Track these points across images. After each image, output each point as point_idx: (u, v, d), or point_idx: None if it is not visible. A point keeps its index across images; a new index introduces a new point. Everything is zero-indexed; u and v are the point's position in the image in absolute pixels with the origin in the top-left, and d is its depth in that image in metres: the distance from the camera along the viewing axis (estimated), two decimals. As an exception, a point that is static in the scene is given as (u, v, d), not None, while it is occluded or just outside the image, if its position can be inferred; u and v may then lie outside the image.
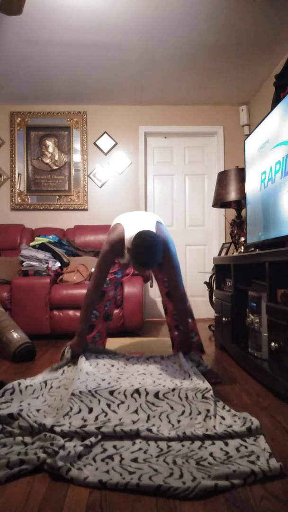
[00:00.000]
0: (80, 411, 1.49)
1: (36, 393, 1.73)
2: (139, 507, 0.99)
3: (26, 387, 1.73)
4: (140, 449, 1.26)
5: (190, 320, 2.16)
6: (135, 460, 1.19)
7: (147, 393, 1.59)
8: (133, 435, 1.34)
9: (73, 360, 2.10)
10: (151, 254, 1.74)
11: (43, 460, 1.16)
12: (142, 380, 1.80)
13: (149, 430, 1.35)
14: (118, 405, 1.54)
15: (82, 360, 2.04)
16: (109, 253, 1.98)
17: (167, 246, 1.95)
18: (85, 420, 1.44)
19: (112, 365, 2.06)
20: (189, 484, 1.05)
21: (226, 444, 1.28)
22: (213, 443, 1.28)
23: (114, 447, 1.28)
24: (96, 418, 1.45)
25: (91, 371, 1.93)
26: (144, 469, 1.14)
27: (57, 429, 1.33)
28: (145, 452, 1.24)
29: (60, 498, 1.03)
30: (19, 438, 1.30)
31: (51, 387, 1.80)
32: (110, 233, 2.02)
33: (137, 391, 1.61)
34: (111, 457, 1.21)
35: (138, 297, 3.31)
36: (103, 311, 2.25)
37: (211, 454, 1.21)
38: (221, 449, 1.25)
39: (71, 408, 1.49)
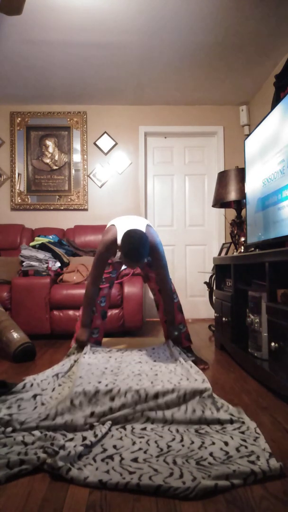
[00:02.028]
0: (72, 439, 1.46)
1: (50, 385, 1.89)
2: (139, 507, 1.00)
3: (42, 380, 1.91)
4: (140, 449, 1.27)
5: (180, 315, 2.45)
6: (135, 460, 1.20)
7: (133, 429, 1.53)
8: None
9: (79, 351, 2.28)
10: (138, 249, 1.96)
11: (43, 460, 1.17)
12: (140, 368, 1.95)
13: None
14: (105, 434, 1.49)
15: (83, 354, 2.17)
16: (104, 253, 2.20)
17: (155, 247, 2.18)
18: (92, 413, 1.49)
19: (110, 356, 2.18)
20: (189, 484, 1.05)
21: (226, 444, 1.28)
22: (213, 443, 1.29)
23: (114, 447, 1.28)
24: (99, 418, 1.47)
25: (92, 362, 2.04)
26: (144, 469, 1.14)
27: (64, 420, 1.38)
28: (145, 452, 1.24)
29: (60, 498, 1.04)
30: (20, 438, 1.30)
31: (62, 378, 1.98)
32: (105, 234, 2.22)
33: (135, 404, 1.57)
34: (111, 457, 1.21)
35: (138, 297, 3.31)
36: (100, 307, 2.42)
37: (211, 454, 1.21)
38: (221, 449, 1.25)
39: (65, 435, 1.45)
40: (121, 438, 1.34)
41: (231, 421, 1.45)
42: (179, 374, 1.88)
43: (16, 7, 2.26)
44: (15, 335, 2.58)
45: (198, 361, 2.36)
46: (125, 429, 1.42)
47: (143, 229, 2.17)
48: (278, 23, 2.96)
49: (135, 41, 3.19)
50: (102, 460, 1.20)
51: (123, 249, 1.98)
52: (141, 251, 1.97)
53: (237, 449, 1.25)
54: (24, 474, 1.14)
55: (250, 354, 2.17)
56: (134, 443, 1.31)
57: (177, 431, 1.40)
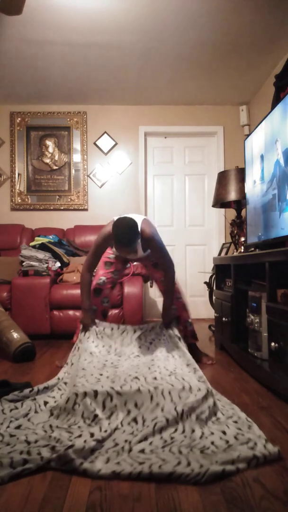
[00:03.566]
0: (80, 435, 1.42)
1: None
2: (139, 507, 0.99)
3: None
4: (145, 439, 1.32)
5: (186, 313, 2.50)
6: (142, 451, 1.24)
7: (144, 420, 1.48)
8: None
9: (84, 330, 2.29)
10: (125, 233, 2.02)
11: (46, 460, 1.17)
12: (138, 361, 2.02)
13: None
14: (114, 429, 1.46)
15: (87, 339, 2.22)
16: (101, 243, 2.27)
17: (151, 237, 2.21)
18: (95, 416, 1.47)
19: (110, 346, 2.23)
20: (198, 470, 1.10)
21: (224, 433, 1.35)
22: (212, 433, 1.35)
23: (125, 441, 1.31)
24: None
25: (94, 351, 2.11)
26: (153, 459, 1.18)
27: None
28: (150, 444, 1.29)
29: (60, 498, 1.04)
30: (23, 438, 1.31)
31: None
32: (105, 227, 2.29)
33: (134, 415, 1.53)
34: (120, 450, 1.25)
35: (138, 297, 3.31)
36: (101, 307, 2.43)
37: (212, 443, 1.28)
38: (221, 438, 1.32)
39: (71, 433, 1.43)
40: (132, 433, 1.37)
41: (222, 412, 1.53)
42: (173, 369, 1.94)
43: (16, 7, 2.26)
44: (15, 335, 2.58)
45: (204, 357, 2.46)
46: (136, 422, 1.44)
47: (139, 221, 2.23)
48: (278, 24, 2.96)
49: (135, 41, 3.19)
50: (112, 452, 1.24)
51: (113, 234, 2.06)
52: (128, 235, 2.02)
53: (235, 437, 1.31)
54: (27, 474, 1.14)
55: (250, 354, 2.17)
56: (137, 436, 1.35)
57: (181, 418, 1.43)
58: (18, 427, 1.41)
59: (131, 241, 2.04)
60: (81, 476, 1.14)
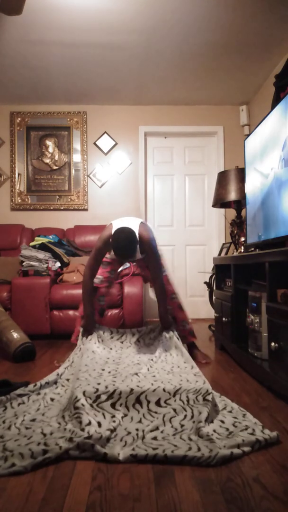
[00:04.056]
0: (89, 423, 1.42)
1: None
2: (139, 507, 0.99)
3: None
4: (157, 428, 1.39)
5: (182, 313, 2.52)
6: (154, 438, 1.31)
7: (149, 402, 1.55)
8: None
9: (86, 335, 2.39)
10: (124, 245, 2.11)
11: (65, 449, 1.22)
12: (139, 358, 2.08)
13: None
14: (122, 418, 1.49)
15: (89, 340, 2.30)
16: (101, 247, 2.33)
17: (148, 242, 2.28)
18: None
19: (111, 348, 2.32)
20: (209, 454, 1.19)
21: (223, 422, 1.44)
22: (212, 421, 1.44)
23: (137, 429, 1.38)
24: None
25: (96, 350, 2.19)
26: (165, 445, 1.26)
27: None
28: (162, 432, 1.36)
29: (60, 498, 1.04)
30: (38, 430, 1.35)
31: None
32: (103, 231, 2.36)
33: (138, 400, 1.54)
34: (133, 437, 1.32)
35: (138, 297, 3.31)
36: (97, 305, 2.50)
37: (214, 431, 1.36)
38: (221, 426, 1.41)
39: (81, 423, 1.43)
40: (140, 421, 1.44)
41: (215, 404, 1.57)
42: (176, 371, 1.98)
43: (16, 7, 2.26)
44: (15, 335, 2.58)
45: (199, 355, 2.50)
46: (141, 404, 1.51)
47: (137, 226, 2.28)
48: (278, 23, 2.96)
49: (135, 41, 3.19)
50: (125, 439, 1.31)
51: (113, 245, 2.15)
52: (127, 246, 2.11)
53: (234, 425, 1.40)
54: (48, 463, 1.19)
55: (250, 354, 2.17)
56: (152, 422, 1.43)
57: (187, 402, 1.50)
58: (33, 420, 1.47)
59: (131, 251, 2.12)
60: (102, 462, 1.20)
